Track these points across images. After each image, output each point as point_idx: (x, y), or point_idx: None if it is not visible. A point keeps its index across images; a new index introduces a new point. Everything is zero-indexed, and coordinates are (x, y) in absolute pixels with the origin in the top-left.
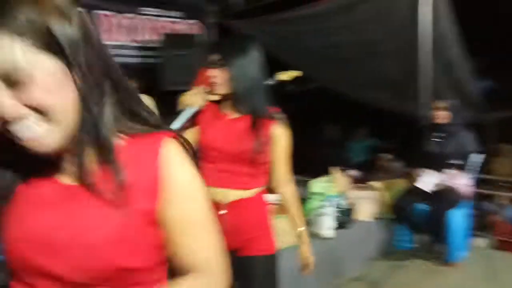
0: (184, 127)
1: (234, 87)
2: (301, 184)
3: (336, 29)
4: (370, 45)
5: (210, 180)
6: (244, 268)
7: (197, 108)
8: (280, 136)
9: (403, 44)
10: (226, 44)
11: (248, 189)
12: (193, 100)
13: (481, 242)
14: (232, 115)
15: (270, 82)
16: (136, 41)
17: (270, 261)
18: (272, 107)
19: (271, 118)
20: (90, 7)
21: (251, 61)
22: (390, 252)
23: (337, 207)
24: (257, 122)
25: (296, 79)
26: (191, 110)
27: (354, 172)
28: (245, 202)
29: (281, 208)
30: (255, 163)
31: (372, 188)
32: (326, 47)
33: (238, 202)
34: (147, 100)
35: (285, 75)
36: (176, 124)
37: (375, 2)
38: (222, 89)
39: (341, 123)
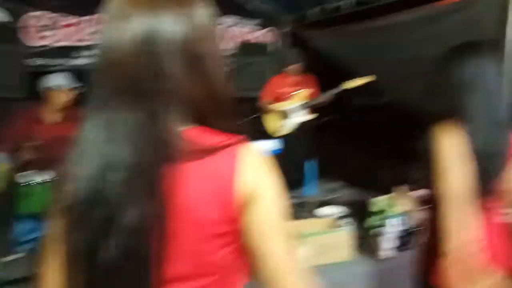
0: None
1: None
2: (365, 201)
3: (417, 42)
4: None
5: None
6: None
7: None
8: None
9: None
10: None
11: None
12: None
13: None
14: None
15: (335, 91)
16: None
17: None
18: None
19: None
20: None
21: None
22: None
23: (399, 228)
24: None
25: (369, 92)
26: None
27: (422, 192)
28: None
29: (332, 223)
30: None
31: None
32: (405, 61)
33: None
34: None
35: (353, 83)
36: None
37: (460, 14)
38: None
39: (412, 140)
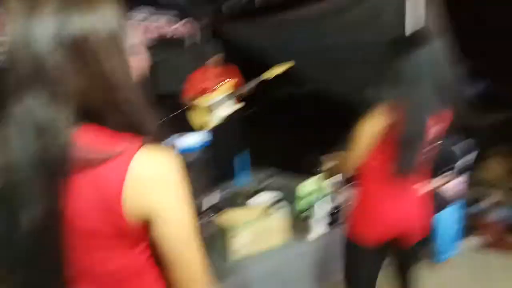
0: None
1: None
2: (293, 184)
3: (328, 32)
4: (361, 48)
5: None
6: None
7: None
8: None
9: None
10: None
11: None
12: None
13: (472, 242)
14: None
15: (258, 80)
16: None
17: None
18: None
19: None
20: None
21: None
22: None
23: (328, 206)
24: None
25: (292, 82)
26: None
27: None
28: None
29: (266, 210)
30: None
31: None
32: (318, 50)
33: None
34: None
35: (274, 71)
36: None
37: (365, 5)
38: None
39: (334, 125)
